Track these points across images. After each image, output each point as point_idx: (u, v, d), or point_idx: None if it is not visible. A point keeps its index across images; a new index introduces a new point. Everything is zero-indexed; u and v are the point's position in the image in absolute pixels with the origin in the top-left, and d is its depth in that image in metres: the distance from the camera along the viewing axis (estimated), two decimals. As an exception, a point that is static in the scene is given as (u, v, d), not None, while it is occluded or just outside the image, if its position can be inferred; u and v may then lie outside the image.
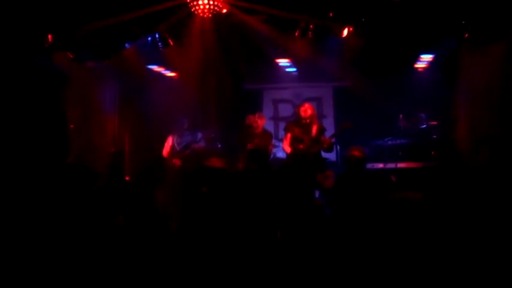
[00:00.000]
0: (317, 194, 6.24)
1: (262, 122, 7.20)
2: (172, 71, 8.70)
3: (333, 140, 6.51)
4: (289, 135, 6.45)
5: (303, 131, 6.33)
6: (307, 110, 6.38)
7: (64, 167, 5.20)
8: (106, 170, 6.73)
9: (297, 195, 5.51)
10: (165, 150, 7.21)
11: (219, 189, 5.13)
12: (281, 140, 7.19)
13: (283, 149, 6.71)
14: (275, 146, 7.65)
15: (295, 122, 6.51)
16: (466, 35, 6.25)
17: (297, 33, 6.55)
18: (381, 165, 7.58)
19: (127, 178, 6.98)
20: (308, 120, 6.35)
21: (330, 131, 6.72)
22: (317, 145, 6.24)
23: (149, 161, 7.34)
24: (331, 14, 6.23)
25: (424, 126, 7.88)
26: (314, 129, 6.34)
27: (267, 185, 5.00)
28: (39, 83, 6.87)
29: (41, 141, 6.49)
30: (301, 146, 6.25)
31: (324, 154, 6.53)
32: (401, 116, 7.92)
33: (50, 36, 6.31)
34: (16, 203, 4.91)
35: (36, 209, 4.83)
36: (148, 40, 6.92)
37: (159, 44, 6.86)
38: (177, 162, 6.98)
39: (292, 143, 6.38)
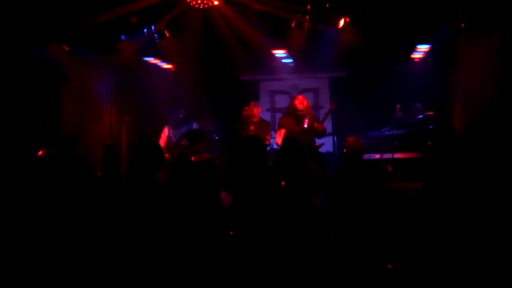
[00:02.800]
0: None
1: (258, 110, 7.16)
2: (168, 62, 8.67)
3: (323, 122, 6.60)
4: (283, 130, 6.47)
5: (296, 123, 6.41)
6: (302, 101, 6.44)
7: (65, 160, 5.17)
8: (101, 162, 6.74)
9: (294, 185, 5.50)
10: (162, 141, 7.18)
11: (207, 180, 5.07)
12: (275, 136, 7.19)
13: (276, 143, 6.74)
14: (272, 137, 7.64)
15: (288, 116, 6.55)
16: (463, 25, 6.25)
17: (293, 25, 6.54)
18: (377, 156, 7.59)
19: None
20: (302, 113, 6.40)
21: (326, 122, 6.79)
22: (309, 136, 6.30)
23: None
24: (327, 5, 6.22)
25: (421, 116, 7.89)
26: (306, 121, 6.40)
27: (264, 174, 4.98)
28: (34, 76, 6.85)
29: (36, 134, 6.48)
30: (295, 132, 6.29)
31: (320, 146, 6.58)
32: (398, 106, 7.93)
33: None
34: (10, 197, 4.90)
35: (32, 202, 4.82)
36: (144, 32, 6.89)
37: (155, 35, 6.83)
38: (167, 156, 6.98)
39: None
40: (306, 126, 6.36)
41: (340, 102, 6.89)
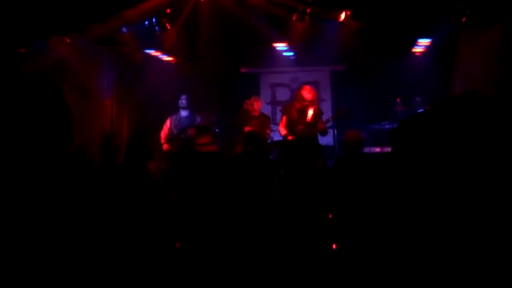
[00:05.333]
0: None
1: (258, 105, 7.21)
2: (169, 55, 8.67)
3: (327, 125, 6.57)
4: (285, 117, 6.51)
5: (300, 114, 6.38)
6: (309, 92, 6.40)
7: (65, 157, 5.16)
8: (100, 153, 6.77)
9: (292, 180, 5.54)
10: (163, 133, 7.21)
11: (215, 173, 5.12)
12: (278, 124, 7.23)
13: (278, 131, 6.77)
14: (272, 130, 7.67)
15: (292, 105, 6.56)
16: (464, 19, 6.25)
17: (294, 17, 6.54)
18: (377, 149, 7.61)
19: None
20: (306, 103, 6.38)
21: (326, 115, 6.78)
22: (312, 129, 6.30)
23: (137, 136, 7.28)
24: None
25: (421, 110, 7.89)
26: (311, 113, 6.38)
27: (265, 167, 5.01)
28: (35, 69, 6.84)
29: (39, 131, 6.46)
30: (297, 129, 6.30)
31: (321, 139, 6.59)
32: (398, 100, 7.94)
33: None
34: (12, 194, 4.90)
35: (34, 199, 4.83)
36: (145, 24, 6.88)
37: (156, 28, 6.83)
38: (165, 147, 7.01)
39: (288, 126, 6.44)
40: (308, 119, 6.34)
41: (347, 109, 6.82)
